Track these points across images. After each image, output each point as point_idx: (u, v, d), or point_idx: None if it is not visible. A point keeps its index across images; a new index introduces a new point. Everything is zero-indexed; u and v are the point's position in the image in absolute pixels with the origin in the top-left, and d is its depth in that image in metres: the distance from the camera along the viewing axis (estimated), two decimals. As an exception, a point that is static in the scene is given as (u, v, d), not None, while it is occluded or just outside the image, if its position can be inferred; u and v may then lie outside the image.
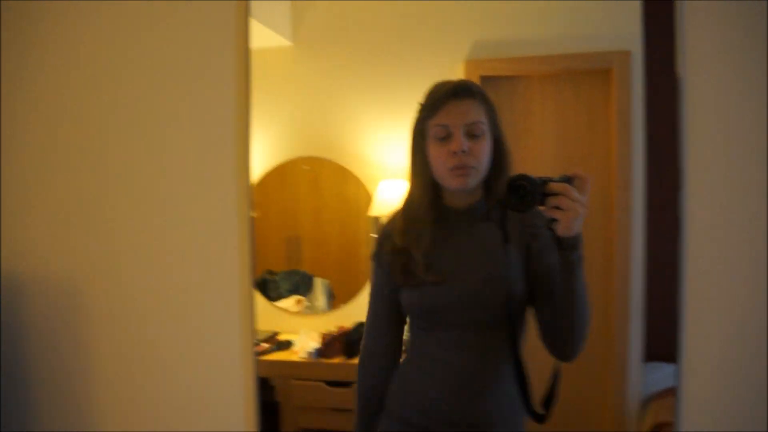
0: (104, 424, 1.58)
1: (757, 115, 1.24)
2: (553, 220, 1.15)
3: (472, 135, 1.26)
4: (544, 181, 1.14)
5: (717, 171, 1.26)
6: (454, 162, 1.26)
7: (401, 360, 1.43)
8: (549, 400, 1.26)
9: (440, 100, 1.27)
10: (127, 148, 1.55)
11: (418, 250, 1.31)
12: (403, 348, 1.45)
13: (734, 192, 1.26)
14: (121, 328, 1.57)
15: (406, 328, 1.43)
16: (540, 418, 1.27)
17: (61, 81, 1.56)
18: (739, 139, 1.25)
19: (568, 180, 1.14)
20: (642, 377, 1.58)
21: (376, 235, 1.47)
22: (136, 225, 1.55)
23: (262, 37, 1.75)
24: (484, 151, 1.28)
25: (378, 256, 1.41)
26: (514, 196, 1.14)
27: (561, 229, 1.14)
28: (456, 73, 1.59)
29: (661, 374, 1.53)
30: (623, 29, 1.55)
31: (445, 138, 1.27)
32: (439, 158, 1.28)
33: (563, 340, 1.24)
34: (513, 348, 1.25)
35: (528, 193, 1.13)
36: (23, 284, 1.59)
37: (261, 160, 1.84)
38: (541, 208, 1.16)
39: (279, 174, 1.89)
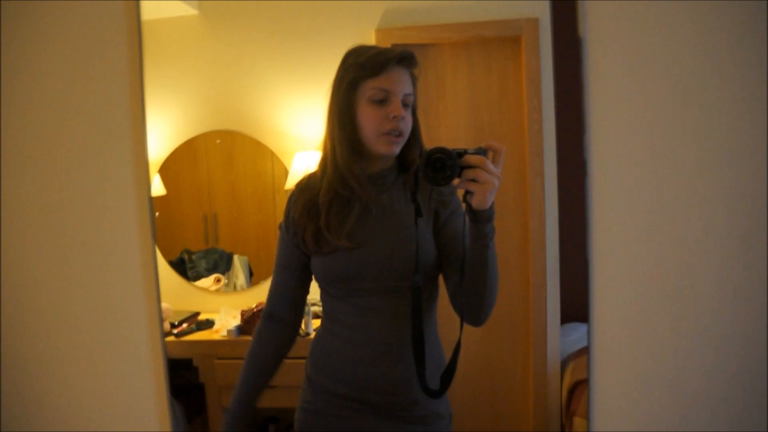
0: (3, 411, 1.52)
1: (658, 74, 1.28)
2: (469, 192, 1.14)
3: (405, 104, 1.27)
4: (460, 154, 1.13)
5: (619, 131, 1.29)
6: (391, 126, 1.26)
7: (318, 328, 1.44)
8: (447, 374, 1.26)
9: (385, 64, 1.26)
10: (16, 127, 1.47)
11: (350, 205, 1.30)
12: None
13: (637, 150, 1.30)
14: (21, 319, 1.51)
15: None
16: (432, 394, 1.26)
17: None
18: (640, 97, 1.29)
19: (483, 152, 1.14)
20: (559, 338, 1.62)
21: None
22: (31, 212, 1.49)
23: (167, 6, 1.68)
24: (411, 120, 1.29)
25: (286, 224, 1.40)
26: (432, 170, 1.13)
27: (476, 202, 1.14)
28: (368, 41, 1.56)
29: (578, 334, 1.58)
30: (531, -4, 1.57)
31: (382, 102, 1.26)
32: (372, 121, 1.27)
33: (472, 308, 1.25)
34: (415, 317, 1.25)
35: (446, 166, 1.12)
36: None
37: (171, 135, 1.78)
38: (456, 180, 1.15)
39: (191, 149, 1.83)
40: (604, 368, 1.32)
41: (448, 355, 1.27)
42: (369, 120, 1.27)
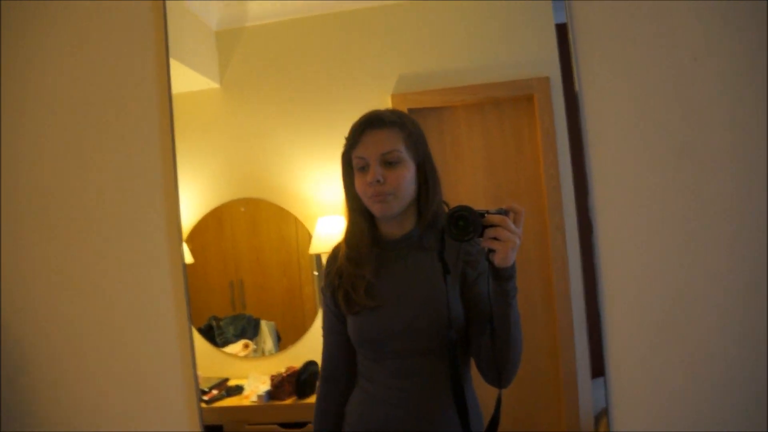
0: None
1: (656, 125, 1.33)
2: (491, 251, 1.17)
3: (388, 163, 1.30)
4: (482, 214, 1.17)
5: (622, 182, 1.34)
6: (371, 191, 1.30)
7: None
8: (492, 426, 1.27)
9: (357, 132, 1.33)
10: (55, 200, 1.53)
11: (359, 276, 1.34)
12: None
13: (640, 199, 1.34)
14: (61, 387, 1.54)
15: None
16: None
17: None
18: (638, 150, 1.33)
19: (504, 212, 1.18)
20: (591, 392, 1.60)
21: (322, 270, 1.48)
22: (67, 278, 1.53)
23: (190, 80, 1.74)
24: (401, 177, 1.31)
25: (324, 288, 1.44)
26: (455, 227, 1.17)
27: (498, 260, 1.17)
28: (384, 106, 1.60)
29: (611, 388, 1.56)
30: (541, 56, 1.60)
31: (364, 168, 1.31)
32: (360, 188, 1.33)
33: (497, 368, 1.26)
34: (454, 374, 1.27)
35: (469, 224, 1.16)
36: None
37: (197, 205, 1.82)
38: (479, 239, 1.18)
39: (216, 218, 1.87)
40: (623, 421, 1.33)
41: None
42: (358, 187, 1.34)
